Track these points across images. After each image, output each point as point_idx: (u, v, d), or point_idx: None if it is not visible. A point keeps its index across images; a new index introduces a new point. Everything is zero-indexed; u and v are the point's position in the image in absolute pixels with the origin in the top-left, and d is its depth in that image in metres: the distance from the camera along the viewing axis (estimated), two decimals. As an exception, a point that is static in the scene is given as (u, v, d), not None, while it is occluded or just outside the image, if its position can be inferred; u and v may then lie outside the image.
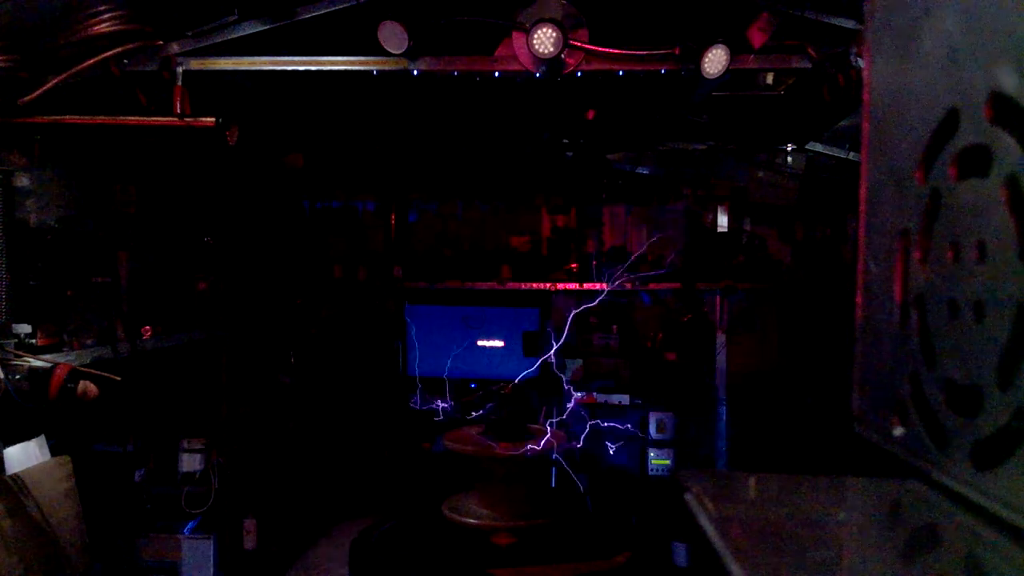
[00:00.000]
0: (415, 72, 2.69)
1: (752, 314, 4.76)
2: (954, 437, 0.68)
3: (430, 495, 3.24)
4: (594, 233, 4.96)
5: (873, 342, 0.85)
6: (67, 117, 2.62)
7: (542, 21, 2.50)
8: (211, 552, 3.17)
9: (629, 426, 4.33)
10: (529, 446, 2.45)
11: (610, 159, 4.71)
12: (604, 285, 4.52)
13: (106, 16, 2.44)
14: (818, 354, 4.19)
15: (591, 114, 3.93)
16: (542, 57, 2.53)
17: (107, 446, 3.16)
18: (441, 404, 2.51)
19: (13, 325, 2.37)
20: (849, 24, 2.55)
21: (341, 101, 3.70)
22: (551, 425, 4.35)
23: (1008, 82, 0.60)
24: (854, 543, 0.74)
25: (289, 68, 2.72)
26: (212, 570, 3.18)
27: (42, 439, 2.53)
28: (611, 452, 4.80)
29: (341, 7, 2.58)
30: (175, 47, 2.64)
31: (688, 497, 0.77)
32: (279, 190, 4.62)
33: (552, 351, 4.64)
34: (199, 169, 3.69)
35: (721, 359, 4.79)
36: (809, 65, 2.65)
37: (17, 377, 2.27)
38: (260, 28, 2.61)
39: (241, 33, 2.63)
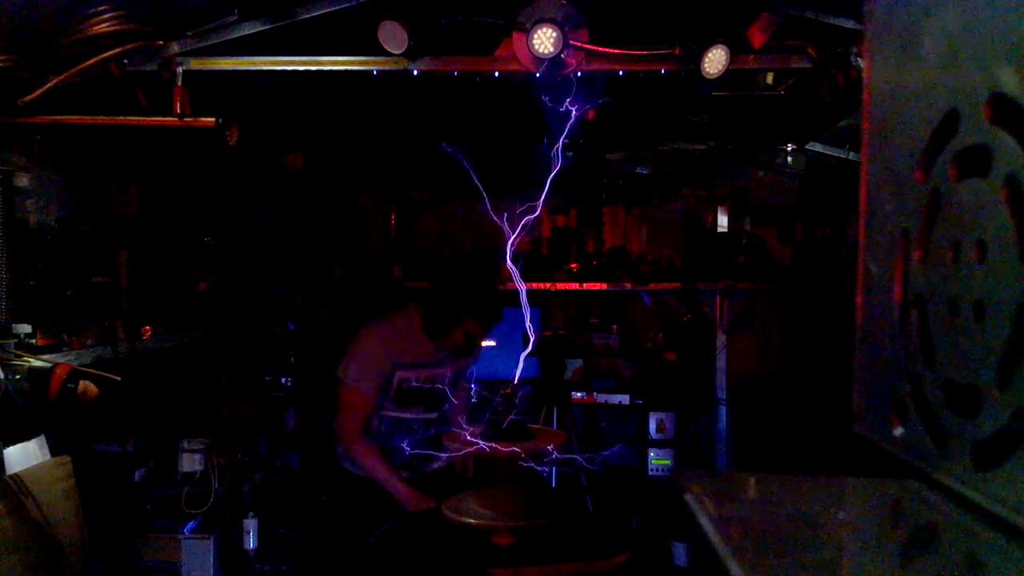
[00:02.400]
0: (415, 72, 2.69)
1: (752, 314, 4.76)
2: (954, 437, 0.68)
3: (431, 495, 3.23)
4: (594, 233, 4.96)
5: (873, 342, 0.85)
6: (67, 117, 2.62)
7: (542, 21, 2.50)
8: (211, 552, 3.17)
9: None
10: (529, 446, 2.45)
11: (610, 159, 4.72)
12: (604, 285, 4.53)
13: (106, 16, 2.44)
14: (818, 354, 4.19)
15: (591, 114, 3.93)
16: (542, 57, 2.53)
17: (107, 446, 3.16)
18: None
19: (13, 325, 2.37)
20: (849, 24, 2.55)
21: (341, 101, 3.70)
22: (551, 425, 4.35)
23: (1008, 82, 0.60)
24: (854, 543, 0.74)
25: (289, 68, 2.72)
26: (212, 570, 3.17)
27: (42, 439, 2.53)
28: (611, 452, 4.80)
29: (341, 7, 2.58)
30: (175, 47, 2.64)
31: (688, 497, 0.77)
32: (279, 190, 4.62)
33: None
34: (199, 169, 3.69)
35: (721, 359, 4.80)
36: (809, 65, 2.65)
37: (17, 377, 2.26)
38: (260, 28, 2.61)
39: (241, 33, 2.63)
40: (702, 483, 0.83)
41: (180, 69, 2.64)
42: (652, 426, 4.36)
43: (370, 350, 3.17)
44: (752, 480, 0.93)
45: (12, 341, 2.34)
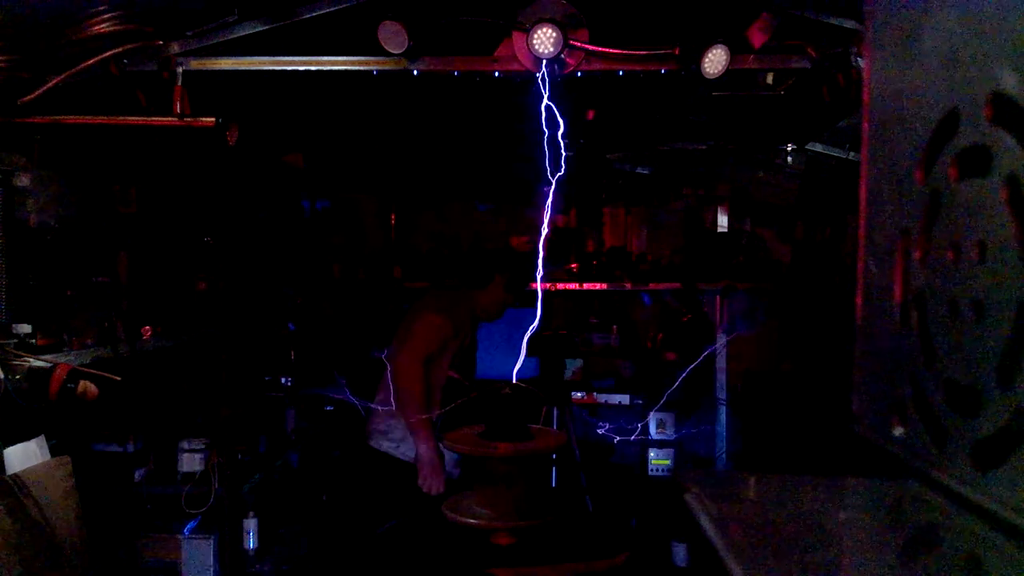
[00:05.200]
0: (415, 72, 2.69)
1: (752, 314, 4.75)
2: (954, 437, 0.68)
3: (430, 495, 3.24)
4: (594, 233, 4.96)
5: (873, 342, 0.85)
6: (67, 117, 2.62)
7: (542, 21, 2.50)
8: (211, 552, 3.17)
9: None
10: (529, 446, 2.45)
11: (610, 159, 4.71)
12: (604, 285, 4.52)
13: (106, 16, 2.44)
14: (818, 354, 4.19)
15: (591, 114, 3.93)
16: (542, 57, 2.53)
17: (107, 446, 3.16)
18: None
19: (13, 325, 2.37)
20: (849, 24, 2.55)
21: (341, 101, 3.70)
22: (552, 425, 4.35)
23: (1008, 82, 0.60)
24: (854, 543, 0.74)
25: (289, 68, 2.72)
26: (212, 570, 3.17)
27: (42, 439, 2.53)
28: (611, 452, 4.80)
29: (341, 7, 2.58)
30: (175, 47, 2.63)
31: (688, 497, 0.77)
32: (279, 190, 4.62)
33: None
34: (199, 169, 3.69)
35: (721, 359, 4.79)
36: (809, 65, 2.64)
37: (17, 377, 2.26)
38: (260, 28, 2.61)
39: (241, 33, 2.62)
40: (702, 483, 0.83)
41: (180, 69, 2.64)
42: (652, 426, 4.35)
43: (457, 303, 3.59)
44: (752, 480, 0.93)
45: (12, 341, 2.34)
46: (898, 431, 0.78)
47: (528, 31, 2.50)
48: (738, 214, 4.85)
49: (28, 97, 2.46)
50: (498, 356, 4.55)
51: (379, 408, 3.56)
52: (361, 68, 2.70)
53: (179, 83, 2.64)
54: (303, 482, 4.28)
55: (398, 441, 3.44)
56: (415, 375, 3.29)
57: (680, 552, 3.70)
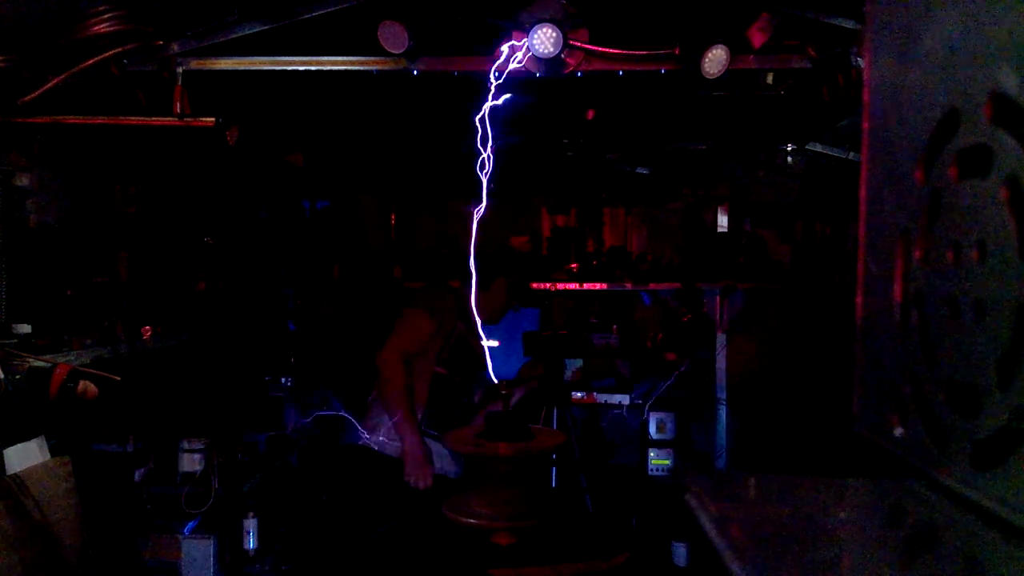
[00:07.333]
0: (415, 72, 2.69)
1: (752, 314, 4.76)
2: (954, 437, 0.68)
3: (430, 495, 3.24)
4: (594, 233, 4.96)
5: (873, 342, 0.85)
6: (67, 117, 2.62)
7: (542, 21, 2.50)
8: (211, 552, 3.17)
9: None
10: (529, 446, 2.45)
11: (610, 159, 4.71)
12: (604, 285, 4.52)
13: (106, 16, 2.44)
14: (818, 354, 4.19)
15: (591, 114, 3.93)
16: (542, 57, 2.53)
17: (107, 446, 3.15)
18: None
19: (13, 325, 2.37)
20: (849, 24, 2.55)
21: (341, 101, 3.70)
22: (552, 425, 4.35)
23: (1008, 82, 0.60)
24: (854, 543, 0.74)
25: (289, 68, 2.72)
26: (212, 570, 3.17)
27: (42, 439, 2.53)
28: (611, 452, 4.80)
29: (341, 7, 2.58)
30: (175, 47, 2.63)
31: (688, 497, 0.77)
32: (279, 190, 4.62)
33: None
34: (199, 169, 3.69)
35: (721, 359, 4.79)
36: (809, 65, 2.64)
37: (17, 377, 2.26)
38: (260, 28, 2.61)
39: (241, 33, 2.62)
40: (702, 483, 0.83)
41: (180, 69, 2.64)
42: (652, 426, 4.35)
43: (445, 302, 3.58)
44: (752, 480, 0.93)
45: (12, 341, 2.34)
46: (898, 431, 0.78)
47: (528, 31, 2.50)
48: (738, 214, 4.85)
49: (28, 97, 2.46)
50: (498, 356, 4.54)
51: (371, 405, 3.57)
52: (361, 68, 2.70)
53: (179, 83, 2.64)
54: (303, 482, 4.27)
55: (385, 437, 3.46)
56: (395, 369, 3.31)
57: (680, 552, 3.70)
